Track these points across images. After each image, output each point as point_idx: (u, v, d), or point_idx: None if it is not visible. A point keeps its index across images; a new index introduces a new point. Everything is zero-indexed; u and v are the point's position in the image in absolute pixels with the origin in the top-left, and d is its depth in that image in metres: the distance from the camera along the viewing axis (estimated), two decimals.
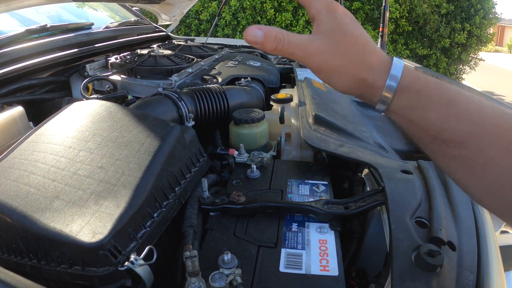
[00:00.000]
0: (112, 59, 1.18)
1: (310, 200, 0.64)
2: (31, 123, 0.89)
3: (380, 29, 1.94)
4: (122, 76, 1.09)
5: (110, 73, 1.09)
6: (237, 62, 1.28)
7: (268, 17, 4.86)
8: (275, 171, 0.76)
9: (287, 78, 1.34)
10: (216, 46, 1.68)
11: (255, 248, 0.54)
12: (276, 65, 1.41)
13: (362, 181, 0.71)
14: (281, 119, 0.92)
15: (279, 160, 0.80)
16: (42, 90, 1.04)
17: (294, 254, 0.52)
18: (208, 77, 1.11)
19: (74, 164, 0.59)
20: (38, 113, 1.03)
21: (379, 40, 1.93)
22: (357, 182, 0.73)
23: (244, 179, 0.73)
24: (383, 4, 1.85)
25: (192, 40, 1.74)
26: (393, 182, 0.59)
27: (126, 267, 0.44)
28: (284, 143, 0.90)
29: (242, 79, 1.12)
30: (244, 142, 0.89)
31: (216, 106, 0.94)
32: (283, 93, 0.97)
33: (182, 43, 1.60)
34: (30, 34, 1.14)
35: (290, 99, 0.95)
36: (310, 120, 0.82)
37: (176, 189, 0.64)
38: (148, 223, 0.54)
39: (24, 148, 0.65)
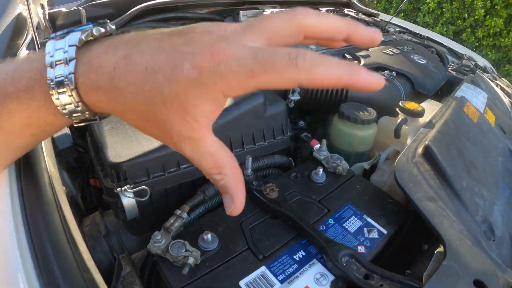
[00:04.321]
0: (268, 12, 1.18)
1: (342, 240, 0.52)
2: None
3: None
4: None
5: None
6: (398, 52, 1.08)
7: (476, 17, 4.13)
8: (344, 185, 0.64)
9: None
10: (397, 29, 1.46)
11: (244, 247, 0.49)
12: (449, 72, 1.12)
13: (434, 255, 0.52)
14: (396, 132, 0.75)
15: (359, 177, 0.66)
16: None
17: (268, 280, 0.45)
18: (349, 57, 0.99)
19: None
20: None
21: None
22: (428, 253, 0.54)
23: (306, 177, 0.65)
24: None
25: (376, 16, 1.55)
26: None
27: (117, 191, 0.48)
28: (383, 161, 0.74)
29: (387, 71, 0.95)
30: (339, 140, 0.78)
31: (332, 89, 0.84)
32: (415, 104, 0.77)
33: (353, 14, 1.45)
34: None
35: (419, 113, 0.75)
36: (420, 149, 0.63)
37: None
38: (171, 170, 0.56)
39: None
